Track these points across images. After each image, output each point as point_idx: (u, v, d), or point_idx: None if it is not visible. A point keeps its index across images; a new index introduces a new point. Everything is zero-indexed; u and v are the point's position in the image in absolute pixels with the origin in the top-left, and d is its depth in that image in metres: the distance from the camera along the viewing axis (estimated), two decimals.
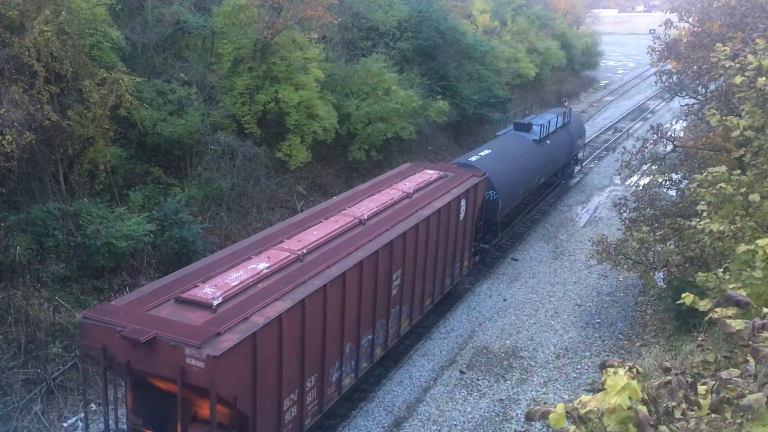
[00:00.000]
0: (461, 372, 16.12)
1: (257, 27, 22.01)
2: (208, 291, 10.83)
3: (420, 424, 14.16)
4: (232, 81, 21.84)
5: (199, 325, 9.86)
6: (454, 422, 14.26)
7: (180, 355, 9.38)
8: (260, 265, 11.95)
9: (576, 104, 50.55)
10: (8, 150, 14.13)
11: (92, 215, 15.98)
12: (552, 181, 28.64)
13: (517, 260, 22.84)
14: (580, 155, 32.35)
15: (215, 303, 10.40)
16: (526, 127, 25.61)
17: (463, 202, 17.97)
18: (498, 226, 22.37)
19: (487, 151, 22.52)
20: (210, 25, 21.79)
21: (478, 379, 15.85)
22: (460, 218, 18.07)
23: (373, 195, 16.41)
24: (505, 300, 19.90)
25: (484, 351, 17.10)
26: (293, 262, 12.30)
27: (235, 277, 11.42)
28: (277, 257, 12.31)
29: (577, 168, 32.65)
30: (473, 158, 21.55)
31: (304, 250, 12.69)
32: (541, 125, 25.52)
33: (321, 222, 14.35)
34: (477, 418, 14.44)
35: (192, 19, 21.72)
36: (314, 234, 13.60)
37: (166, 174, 19.89)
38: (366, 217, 14.73)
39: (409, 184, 17.48)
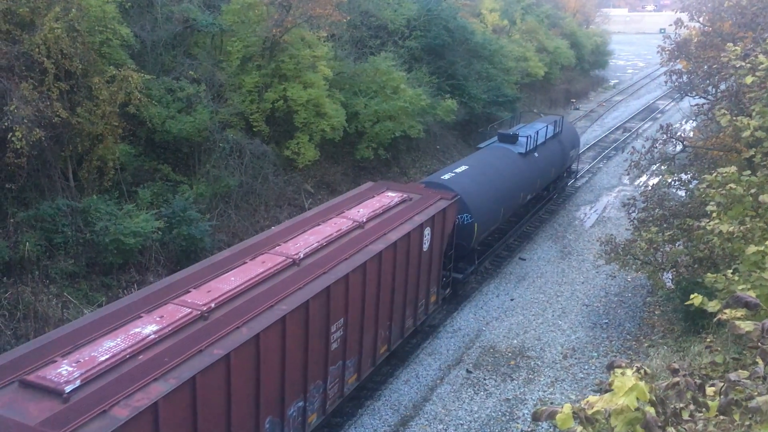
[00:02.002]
0: (468, 371, 16.10)
1: (266, 25, 22.05)
2: (64, 370, 8.30)
3: (426, 423, 14.16)
4: (241, 79, 21.89)
5: (35, 425, 7.40)
6: (461, 421, 14.25)
7: None
8: (147, 328, 9.44)
9: (585, 103, 50.43)
10: (18, 147, 14.23)
11: (101, 212, 16.06)
12: (543, 195, 26.46)
13: (524, 260, 22.79)
14: (574, 167, 30.21)
15: (68, 388, 7.93)
16: (512, 139, 23.42)
17: (427, 231, 15.53)
18: (475, 253, 20.01)
19: (463, 167, 20.11)
20: (219, 23, 21.85)
21: (484, 379, 15.83)
22: (424, 249, 15.58)
23: (318, 226, 13.91)
24: (512, 299, 19.86)
25: (491, 350, 17.07)
26: (193, 323, 9.76)
27: (108, 347, 8.89)
28: (174, 316, 9.78)
29: (571, 181, 30.50)
30: (446, 176, 19.13)
31: (212, 305, 10.20)
32: (528, 136, 23.31)
33: (244, 264, 11.84)
34: (483, 417, 14.42)
35: (201, 16, 21.78)
36: (230, 281, 11.08)
37: (175, 171, 19.96)
38: (302, 256, 12.29)
39: (362, 211, 14.95)
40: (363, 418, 14.19)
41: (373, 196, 16.18)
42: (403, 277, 14.87)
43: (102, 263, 15.99)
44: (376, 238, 13.69)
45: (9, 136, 14.20)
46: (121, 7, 18.53)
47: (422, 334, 17.54)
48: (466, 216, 18.41)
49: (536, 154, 23.79)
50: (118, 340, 9.09)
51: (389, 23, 30.22)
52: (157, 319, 9.70)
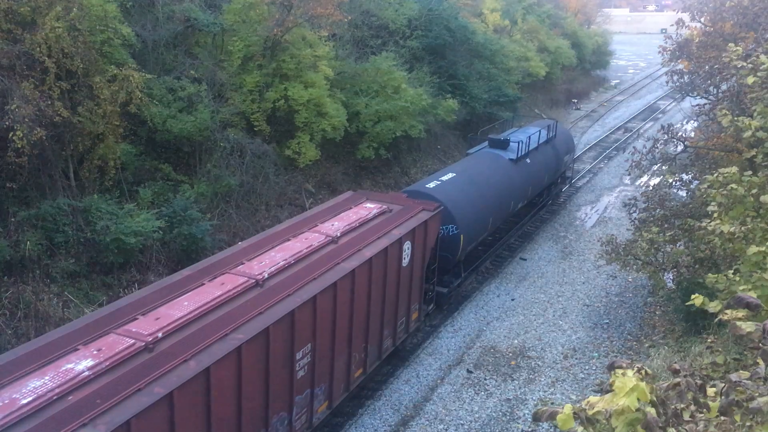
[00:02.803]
0: (468, 371, 16.10)
1: (267, 24, 22.04)
2: None
3: (427, 422, 14.16)
4: (242, 78, 21.89)
5: None
6: (461, 421, 14.24)
7: None
8: (82, 363, 8.31)
9: (586, 103, 50.41)
10: (19, 146, 14.23)
11: (102, 211, 16.07)
12: (536, 201, 25.79)
13: (525, 260, 22.78)
14: (569, 173, 29.35)
15: None
16: (503, 144, 22.58)
17: (407, 246, 14.53)
18: (461, 265, 19.18)
19: (450, 175, 19.22)
20: (220, 23, 21.86)
21: (485, 379, 15.83)
22: (403, 265, 14.63)
23: (287, 241, 12.92)
24: (513, 299, 19.85)
25: (492, 350, 17.07)
26: (135, 356, 8.66)
27: (33, 387, 7.76)
28: (114, 348, 8.66)
29: (566, 187, 29.50)
30: (431, 184, 18.22)
31: (159, 335, 9.10)
32: (519, 141, 22.52)
33: (202, 286, 10.78)
34: (484, 417, 14.42)
35: (202, 16, 21.78)
36: (183, 306, 10.00)
37: (176, 171, 19.96)
38: (266, 276, 11.28)
39: (337, 225, 13.95)
40: (363, 417, 14.19)
41: (351, 208, 15.19)
42: (380, 295, 13.83)
43: (103, 262, 16.00)
44: (350, 254, 12.68)
45: (10, 135, 14.20)
46: (122, 6, 18.53)
47: (423, 334, 17.54)
48: (452, 227, 17.53)
49: (528, 160, 23.13)
50: (46, 378, 7.97)
51: (390, 23, 30.20)
52: (95, 352, 8.57)
